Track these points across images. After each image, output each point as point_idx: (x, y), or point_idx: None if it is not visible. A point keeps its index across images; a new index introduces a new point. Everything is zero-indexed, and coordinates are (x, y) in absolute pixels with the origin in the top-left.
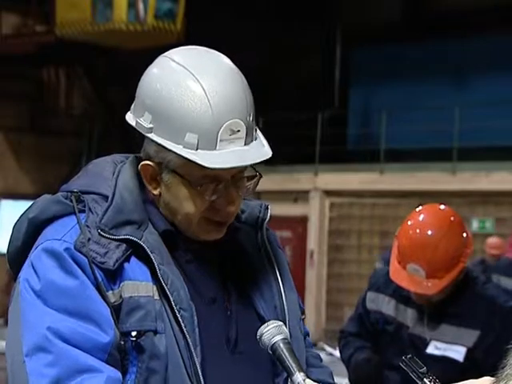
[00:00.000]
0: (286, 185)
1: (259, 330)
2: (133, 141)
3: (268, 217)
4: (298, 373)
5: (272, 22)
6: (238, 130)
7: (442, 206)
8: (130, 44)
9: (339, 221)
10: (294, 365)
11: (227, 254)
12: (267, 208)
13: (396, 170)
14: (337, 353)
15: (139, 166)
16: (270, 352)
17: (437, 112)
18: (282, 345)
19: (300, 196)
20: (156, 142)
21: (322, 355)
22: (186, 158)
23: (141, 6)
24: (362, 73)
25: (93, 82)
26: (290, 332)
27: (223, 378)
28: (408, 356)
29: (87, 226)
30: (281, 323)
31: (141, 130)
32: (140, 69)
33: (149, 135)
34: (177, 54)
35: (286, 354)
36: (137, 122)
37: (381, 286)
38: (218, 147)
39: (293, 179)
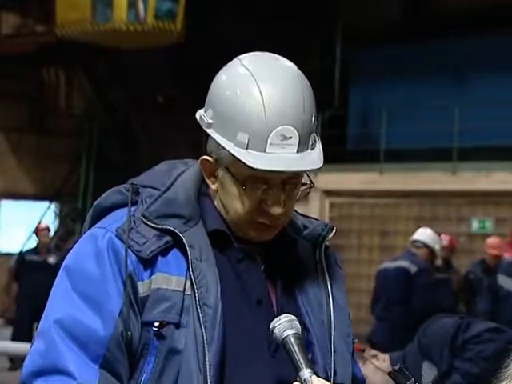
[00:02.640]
0: None
1: (271, 323)
2: (132, 141)
3: (331, 235)
4: (305, 369)
5: (272, 22)
6: (290, 137)
7: None
8: (129, 44)
9: (339, 221)
10: (302, 360)
11: (281, 262)
12: (332, 228)
13: (396, 170)
14: None
15: (199, 161)
16: (281, 346)
17: (437, 112)
18: (292, 339)
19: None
20: (212, 138)
21: None
22: (234, 156)
23: (141, 5)
24: (362, 73)
25: (93, 82)
26: (334, 348)
27: (258, 380)
28: (397, 367)
29: (133, 216)
30: (294, 317)
31: (202, 125)
32: (140, 69)
33: (208, 130)
34: (246, 57)
35: (296, 348)
36: (201, 116)
37: None
38: (267, 150)
39: None
